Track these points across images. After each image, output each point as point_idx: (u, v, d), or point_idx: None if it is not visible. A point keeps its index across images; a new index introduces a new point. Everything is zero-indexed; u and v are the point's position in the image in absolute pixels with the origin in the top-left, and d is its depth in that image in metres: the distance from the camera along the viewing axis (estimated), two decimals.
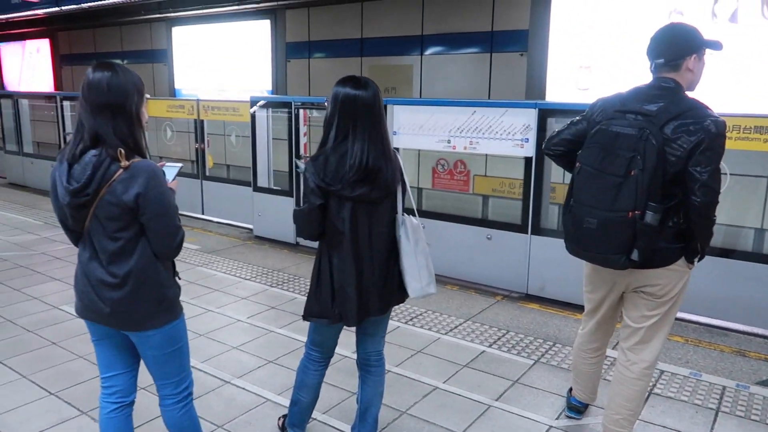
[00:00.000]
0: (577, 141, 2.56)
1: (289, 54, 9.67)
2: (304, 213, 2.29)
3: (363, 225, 2.33)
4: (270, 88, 9.73)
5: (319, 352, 2.61)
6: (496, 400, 3.29)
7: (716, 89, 4.96)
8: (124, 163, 1.97)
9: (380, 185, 2.30)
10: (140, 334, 2.15)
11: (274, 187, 6.72)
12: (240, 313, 4.53)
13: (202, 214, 7.73)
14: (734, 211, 4.89)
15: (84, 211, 2.01)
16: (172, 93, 11.01)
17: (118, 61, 2.08)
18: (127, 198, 1.97)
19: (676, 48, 2.38)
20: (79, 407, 3.17)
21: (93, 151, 1.98)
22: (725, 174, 4.33)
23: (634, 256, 2.29)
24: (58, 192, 2.02)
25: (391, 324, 4.31)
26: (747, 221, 4.89)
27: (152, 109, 8.16)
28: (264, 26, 9.60)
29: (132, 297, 2.07)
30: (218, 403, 3.24)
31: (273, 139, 6.78)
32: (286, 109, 6.34)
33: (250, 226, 7.01)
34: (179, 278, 2.27)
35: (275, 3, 9.09)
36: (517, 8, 7.36)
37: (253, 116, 6.62)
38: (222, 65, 10.28)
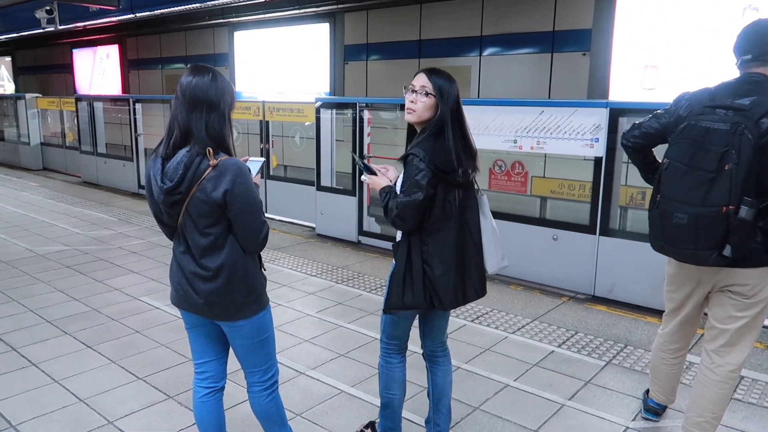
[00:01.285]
0: (658, 135, 2.55)
1: (347, 56, 9.83)
2: (417, 203, 2.28)
3: (462, 209, 2.41)
4: (327, 90, 9.92)
5: (398, 345, 2.67)
6: (570, 399, 3.28)
7: None
8: (212, 161, 2.04)
9: (472, 168, 2.41)
10: (231, 324, 2.24)
11: (337, 187, 6.86)
12: (309, 307, 4.66)
13: (266, 212, 7.95)
14: None
15: (177, 207, 2.11)
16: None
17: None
18: (216, 195, 2.04)
19: (765, 43, 2.35)
20: (166, 392, 3.34)
21: (184, 150, 2.07)
22: None
23: (727, 252, 2.26)
24: (153, 190, 2.13)
25: (458, 322, 4.35)
26: None
27: None
28: (323, 29, 9.80)
29: (224, 289, 2.16)
30: (295, 393, 3.35)
31: (336, 140, 6.93)
32: (350, 111, 6.47)
33: (313, 225, 7.17)
34: (264, 270, 2.35)
35: (334, 6, 9.27)
36: (580, 8, 7.28)
37: (318, 117, 6.78)
38: (281, 68, 10.55)
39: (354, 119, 6.39)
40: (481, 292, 2.51)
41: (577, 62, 7.41)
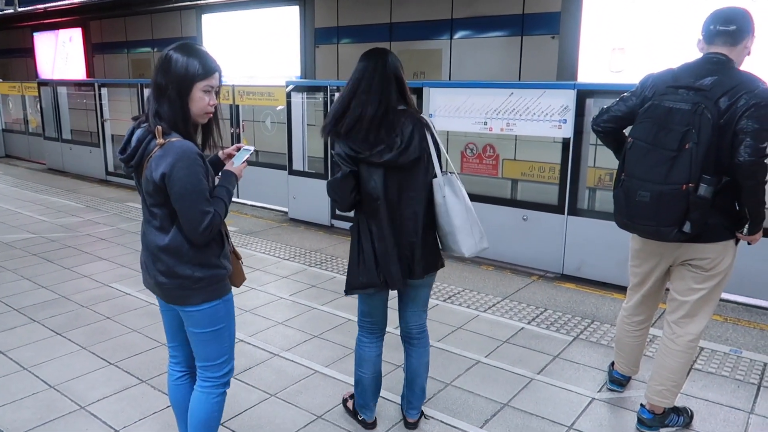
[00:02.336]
0: (627, 118, 2.61)
1: (318, 40, 9.74)
2: (337, 181, 2.42)
3: (399, 189, 2.44)
4: (299, 74, 9.83)
5: (370, 323, 2.71)
6: (538, 373, 3.37)
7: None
8: (159, 140, 1.98)
9: (407, 151, 2.38)
10: (182, 309, 2.18)
11: (309, 171, 6.84)
12: (282, 290, 4.67)
13: (237, 197, 7.90)
14: None
15: (137, 181, 2.12)
16: None
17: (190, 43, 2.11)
18: (156, 175, 1.98)
19: (745, 23, 2.42)
20: (139, 376, 3.33)
21: (144, 125, 2.06)
22: None
23: (686, 228, 2.34)
24: None
25: (431, 302, 4.40)
26: None
27: None
28: (293, 12, 9.68)
29: (169, 272, 2.10)
30: (269, 374, 3.37)
31: (308, 125, 6.90)
32: (321, 94, 6.44)
33: (285, 209, 7.15)
34: (240, 259, 2.33)
35: None
36: None
37: (288, 101, 6.73)
38: (251, 52, 10.39)
39: (325, 103, 6.37)
40: (431, 268, 2.56)
41: (547, 45, 7.47)
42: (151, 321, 4.03)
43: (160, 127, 1.99)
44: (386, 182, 2.40)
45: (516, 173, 6.17)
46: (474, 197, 5.42)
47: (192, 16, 11.22)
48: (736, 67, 2.41)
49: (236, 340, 3.68)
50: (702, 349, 3.65)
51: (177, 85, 1.99)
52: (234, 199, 7.92)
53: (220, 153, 2.34)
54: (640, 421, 2.81)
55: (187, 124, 2.05)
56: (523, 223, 5.17)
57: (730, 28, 2.41)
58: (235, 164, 2.27)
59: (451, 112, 5.36)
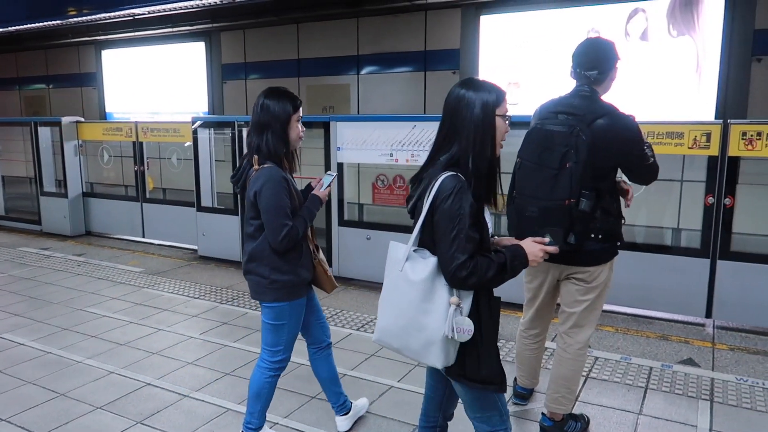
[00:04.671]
0: None
1: (225, 75, 9.71)
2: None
3: None
4: (206, 109, 9.73)
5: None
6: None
7: (631, 99, 5.44)
8: (255, 167, 2.58)
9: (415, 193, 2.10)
10: (260, 303, 2.73)
11: (219, 207, 6.74)
12: (192, 330, 4.55)
13: (143, 237, 7.62)
14: (653, 213, 5.33)
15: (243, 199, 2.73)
16: (103, 117, 10.78)
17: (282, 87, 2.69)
18: (250, 194, 2.59)
19: (607, 63, 2.71)
20: (34, 431, 3.12)
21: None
22: None
23: (571, 239, 2.55)
24: None
25: (344, 331, 4.46)
26: (664, 222, 5.34)
27: (87, 132, 8.02)
28: (198, 48, 9.62)
29: (253, 271, 2.67)
30: (178, 416, 3.27)
31: (216, 160, 6.82)
32: (229, 129, 6.41)
33: (194, 247, 6.98)
34: (327, 271, 2.81)
35: (209, 25, 9.14)
36: (448, 29, 7.76)
37: (195, 136, 6.64)
38: (155, 88, 10.18)
39: (233, 138, 6.34)
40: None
41: (448, 80, 7.87)
42: (46, 372, 3.80)
43: (256, 157, 2.58)
44: None
45: None
46: (386, 227, 5.64)
47: (91, 52, 10.85)
48: (600, 97, 2.70)
49: (142, 384, 3.59)
50: (597, 358, 3.92)
51: (280, 121, 2.58)
52: (138, 238, 7.65)
53: (312, 182, 2.86)
54: (542, 429, 2.98)
55: (287, 150, 2.64)
56: None
57: (591, 75, 2.70)
58: (320, 189, 2.80)
59: (358, 144, 5.51)
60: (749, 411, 3.24)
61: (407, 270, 1.95)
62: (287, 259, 2.63)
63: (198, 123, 6.68)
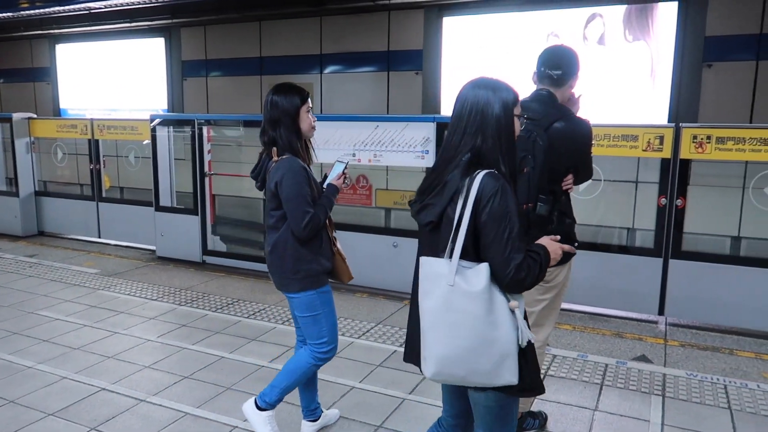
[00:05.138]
0: None
1: (186, 72, 9.53)
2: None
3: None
4: (166, 107, 9.53)
5: None
6: (410, 393, 3.50)
7: (588, 102, 5.57)
8: (274, 158, 2.66)
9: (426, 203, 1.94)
10: (287, 295, 2.76)
11: (178, 206, 6.61)
12: (149, 333, 4.45)
13: (99, 237, 7.41)
14: (609, 213, 5.47)
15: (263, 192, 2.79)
16: (57, 113, 10.45)
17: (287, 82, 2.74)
18: (271, 184, 2.65)
19: (570, 68, 2.76)
20: None
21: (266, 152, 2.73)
22: (600, 180, 4.89)
23: None
24: None
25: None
26: (620, 222, 5.49)
27: (41, 129, 7.75)
28: (158, 44, 9.42)
29: (277, 262, 2.71)
30: (134, 421, 3.19)
31: (175, 159, 6.69)
32: (188, 128, 6.30)
33: (153, 247, 6.82)
34: (345, 260, 2.82)
35: (169, 21, 8.97)
36: (411, 30, 7.79)
37: (153, 134, 6.50)
38: (113, 84, 9.92)
39: (193, 136, 6.23)
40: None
41: (411, 80, 7.91)
42: None
43: (275, 148, 2.66)
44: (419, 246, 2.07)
45: (389, 202, 6.40)
46: (349, 227, 5.63)
47: (44, 46, 10.50)
48: (559, 102, 2.75)
49: (96, 389, 3.50)
50: (555, 356, 4.00)
51: (290, 115, 2.64)
52: (94, 239, 7.44)
53: (327, 171, 2.90)
54: None
55: (300, 141, 2.69)
56: (393, 249, 5.37)
57: (555, 74, 2.74)
58: (331, 177, 2.83)
59: (320, 144, 5.47)
60: (699, 405, 3.36)
61: (460, 283, 1.75)
62: (309, 248, 2.68)
63: (157, 121, 6.53)
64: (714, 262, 4.47)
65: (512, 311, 1.79)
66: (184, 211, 6.49)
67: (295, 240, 2.65)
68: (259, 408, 2.82)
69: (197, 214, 6.34)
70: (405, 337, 2.15)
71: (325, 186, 2.82)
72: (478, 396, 1.89)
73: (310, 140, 2.79)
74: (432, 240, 1.91)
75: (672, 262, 4.53)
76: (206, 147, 6.25)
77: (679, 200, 4.46)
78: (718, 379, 3.68)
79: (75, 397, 3.45)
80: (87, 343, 4.24)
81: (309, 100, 2.71)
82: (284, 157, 2.64)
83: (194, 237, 6.37)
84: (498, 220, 1.77)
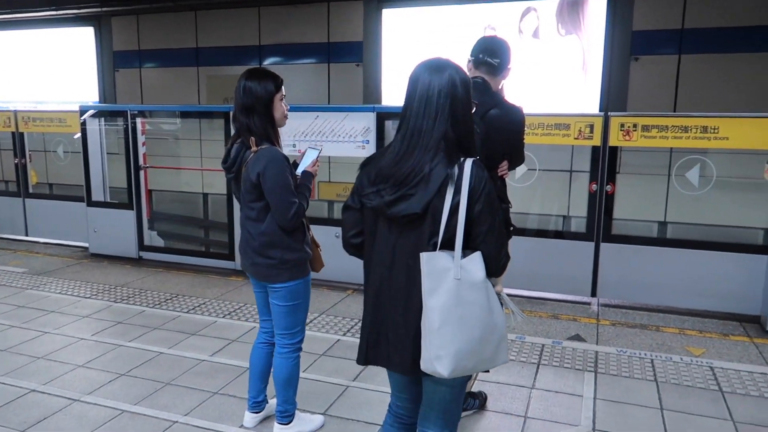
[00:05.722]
0: None
1: (118, 63, 9.19)
2: (344, 213, 2.02)
3: (394, 250, 1.87)
4: (97, 99, 9.16)
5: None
6: (354, 380, 3.52)
7: (524, 93, 5.73)
8: (253, 148, 2.58)
9: (398, 191, 1.80)
10: (270, 287, 2.70)
11: (112, 201, 6.37)
12: (83, 331, 4.28)
13: (26, 235, 7.04)
14: (544, 201, 5.66)
15: (237, 184, 2.70)
16: None
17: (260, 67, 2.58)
18: (252, 176, 2.56)
19: (506, 57, 2.83)
20: None
21: (239, 141, 2.64)
22: (535, 169, 5.04)
23: None
24: None
25: (247, 325, 4.38)
26: (555, 209, 5.68)
27: None
28: (87, 34, 9.03)
29: (262, 254, 2.65)
30: (68, 421, 3.07)
31: (108, 153, 6.44)
32: (122, 119, 6.07)
33: (86, 244, 6.55)
34: (319, 247, 2.84)
35: (98, 9, 8.59)
36: (351, 22, 7.78)
37: (84, 127, 6.23)
38: (39, 75, 9.44)
39: (126, 129, 6.01)
40: (406, 368, 1.86)
41: (352, 72, 7.90)
42: None
43: (253, 138, 2.58)
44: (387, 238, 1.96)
45: (331, 195, 6.39)
46: None
47: None
48: (493, 90, 2.82)
49: (26, 391, 3.37)
50: None
51: (263, 102, 2.57)
52: (21, 237, 7.09)
53: (297, 160, 2.84)
54: None
55: (274, 132, 2.63)
56: (336, 240, 5.34)
57: (495, 62, 2.81)
58: (305, 164, 2.78)
59: None
60: (628, 379, 3.54)
61: (464, 275, 1.73)
62: (296, 238, 2.67)
63: (88, 113, 6.27)
64: (641, 244, 4.71)
65: (498, 295, 1.83)
66: (118, 206, 6.26)
67: (281, 230, 2.61)
68: (286, 424, 2.88)
69: (133, 209, 6.13)
70: (364, 338, 1.96)
71: (299, 173, 2.77)
72: (442, 381, 1.85)
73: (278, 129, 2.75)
74: (406, 232, 1.81)
75: (603, 246, 4.74)
76: (140, 139, 6.04)
77: (608, 186, 4.66)
78: (645, 354, 3.88)
79: (2, 399, 3.29)
80: (15, 344, 4.04)
81: (283, 87, 2.65)
82: (264, 147, 2.57)
83: (130, 232, 6.16)
84: (492, 210, 1.77)
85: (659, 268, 4.62)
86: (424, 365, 1.77)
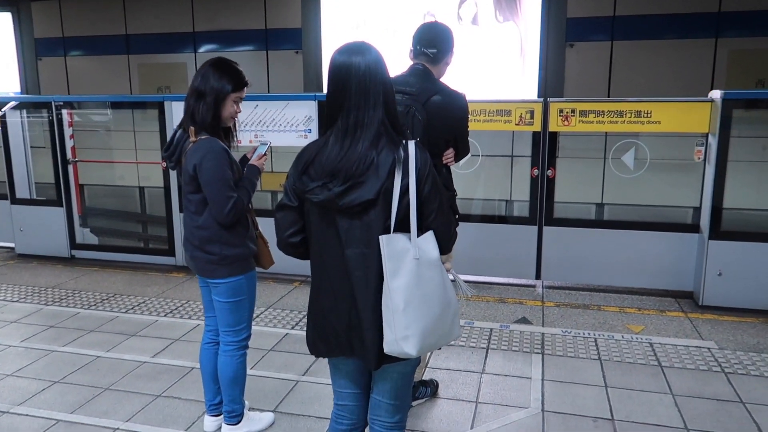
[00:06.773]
0: None
1: (41, 51, 8.68)
2: (277, 213, 1.97)
3: (341, 241, 1.83)
4: (19, 89, 8.62)
5: None
6: (304, 375, 3.46)
7: (464, 80, 5.76)
8: (192, 138, 2.48)
9: (346, 183, 1.76)
10: (210, 282, 2.60)
11: (39, 198, 6.00)
12: (10, 338, 4.01)
13: None
14: (489, 187, 5.72)
15: (179, 174, 2.60)
16: None
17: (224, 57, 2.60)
18: (189, 167, 2.47)
19: (446, 44, 2.79)
20: None
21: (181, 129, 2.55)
22: (478, 156, 5.08)
23: None
24: None
25: (192, 323, 4.22)
26: (498, 195, 5.76)
27: None
28: (5, 20, 8.46)
29: (200, 249, 2.56)
30: None
31: (32, 146, 6.06)
32: (46, 111, 5.71)
33: (11, 244, 6.16)
34: (267, 244, 2.69)
35: None
36: (288, 8, 7.61)
37: (4, 120, 5.83)
38: None
39: (51, 121, 5.66)
40: (372, 355, 1.81)
41: (292, 60, 7.75)
42: None
43: (193, 128, 2.48)
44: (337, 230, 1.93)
45: (274, 185, 6.25)
46: None
47: None
48: (435, 77, 2.79)
49: None
50: None
51: (214, 95, 2.46)
52: None
53: (247, 154, 2.74)
54: None
55: (217, 126, 2.52)
56: None
57: (430, 52, 2.77)
58: (253, 158, 2.69)
59: None
60: (574, 359, 3.63)
61: (421, 254, 1.77)
62: (236, 233, 2.56)
63: (8, 105, 5.86)
64: (581, 227, 4.83)
65: (447, 271, 1.91)
66: (46, 203, 5.91)
67: (219, 225, 2.50)
68: (235, 424, 2.77)
69: (62, 206, 5.79)
70: (314, 331, 1.93)
71: (245, 168, 2.67)
72: (396, 364, 1.86)
73: (233, 125, 2.65)
74: (357, 222, 1.77)
75: (546, 230, 4.83)
76: (67, 132, 5.71)
77: (549, 171, 4.75)
78: (589, 334, 3.99)
79: None
80: None
81: (245, 89, 2.56)
82: (203, 137, 2.47)
83: (60, 230, 5.83)
84: (438, 188, 1.82)
85: (598, 248, 4.76)
86: (389, 347, 1.76)
